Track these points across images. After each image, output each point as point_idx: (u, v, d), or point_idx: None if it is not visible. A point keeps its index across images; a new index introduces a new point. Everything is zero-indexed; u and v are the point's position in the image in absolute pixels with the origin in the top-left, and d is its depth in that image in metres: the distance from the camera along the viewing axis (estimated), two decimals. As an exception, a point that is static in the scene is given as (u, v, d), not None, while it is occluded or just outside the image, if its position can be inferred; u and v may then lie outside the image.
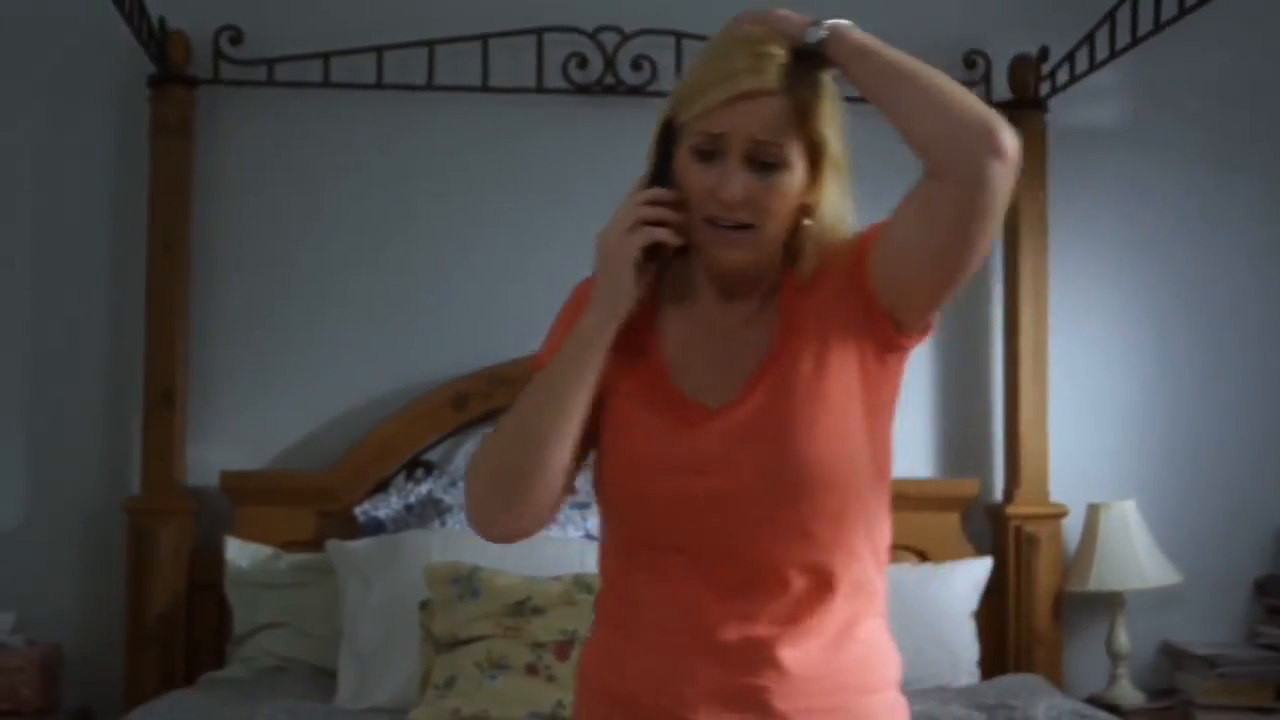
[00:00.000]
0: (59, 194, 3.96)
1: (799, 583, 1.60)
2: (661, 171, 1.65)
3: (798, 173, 1.61)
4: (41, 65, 3.96)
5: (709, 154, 1.60)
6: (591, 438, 1.68)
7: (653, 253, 1.63)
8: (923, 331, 1.63)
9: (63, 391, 3.93)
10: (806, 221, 1.64)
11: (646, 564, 1.67)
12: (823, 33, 1.58)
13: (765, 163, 1.59)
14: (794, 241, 1.65)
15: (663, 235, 1.62)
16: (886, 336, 1.62)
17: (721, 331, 1.68)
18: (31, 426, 3.92)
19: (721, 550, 1.62)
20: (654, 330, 1.71)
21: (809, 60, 1.59)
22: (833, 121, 1.62)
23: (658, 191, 1.63)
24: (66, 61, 3.96)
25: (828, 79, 1.62)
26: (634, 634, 1.67)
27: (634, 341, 1.68)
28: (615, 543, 1.71)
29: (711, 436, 1.62)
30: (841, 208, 1.65)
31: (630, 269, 1.61)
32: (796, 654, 1.59)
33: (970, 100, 1.52)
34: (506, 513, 1.66)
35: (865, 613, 1.65)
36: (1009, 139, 1.49)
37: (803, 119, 1.59)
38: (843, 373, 1.61)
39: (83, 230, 3.96)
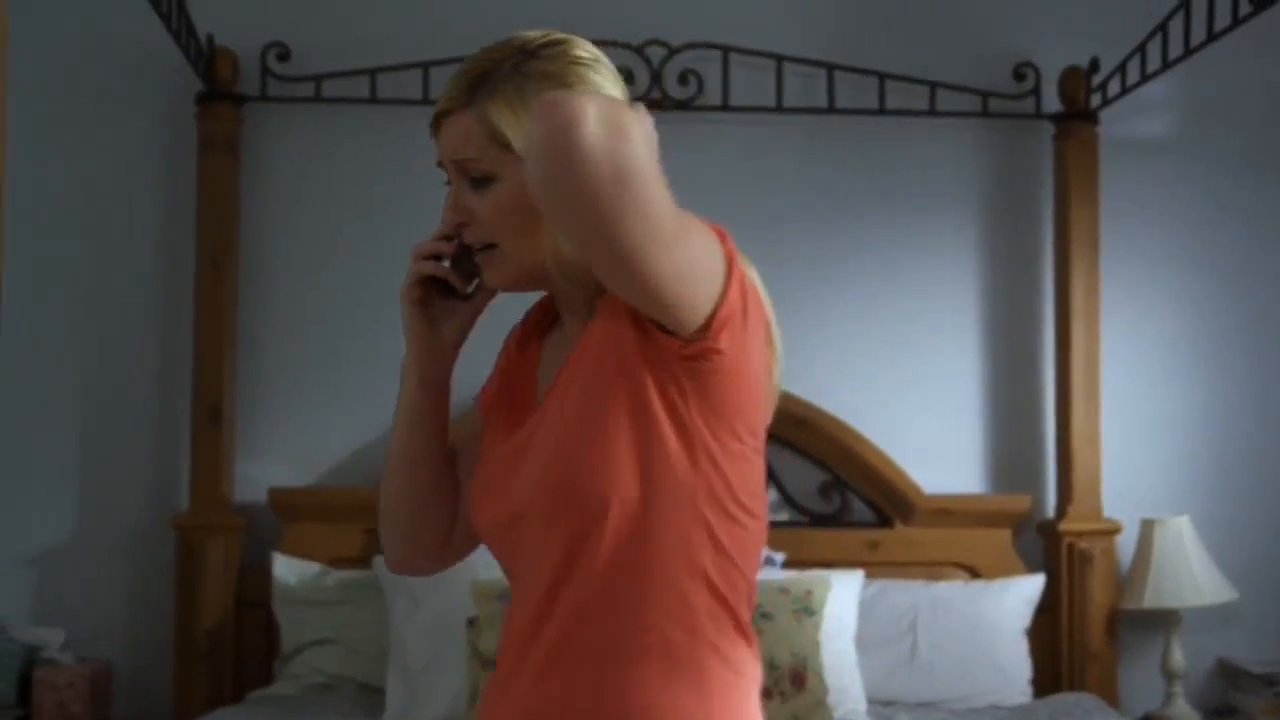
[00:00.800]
0: (106, 210, 3.99)
1: (560, 612, 1.50)
2: None
3: (512, 181, 1.54)
4: (90, 82, 3.98)
5: (449, 184, 1.60)
6: None
7: (448, 290, 1.66)
8: (704, 331, 1.44)
9: (111, 409, 3.95)
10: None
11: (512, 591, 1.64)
12: None
13: (476, 179, 1.57)
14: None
15: (428, 269, 1.64)
16: (664, 345, 1.47)
17: (566, 347, 1.62)
18: (80, 444, 3.94)
19: (513, 576, 1.59)
20: (537, 363, 1.70)
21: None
22: (521, 120, 1.52)
23: (442, 228, 1.63)
24: (114, 79, 3.99)
25: (525, 78, 1.55)
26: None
27: (517, 375, 1.70)
28: None
29: (498, 460, 1.61)
30: None
31: (409, 306, 1.68)
32: (546, 686, 1.50)
33: None
34: (398, 549, 1.71)
35: (656, 647, 1.47)
36: (549, 102, 1.38)
37: (490, 127, 1.54)
38: (609, 396, 1.49)
39: (130, 246, 3.98)
